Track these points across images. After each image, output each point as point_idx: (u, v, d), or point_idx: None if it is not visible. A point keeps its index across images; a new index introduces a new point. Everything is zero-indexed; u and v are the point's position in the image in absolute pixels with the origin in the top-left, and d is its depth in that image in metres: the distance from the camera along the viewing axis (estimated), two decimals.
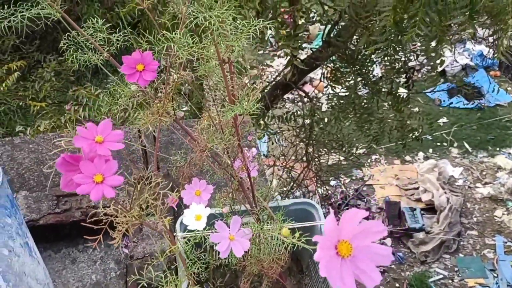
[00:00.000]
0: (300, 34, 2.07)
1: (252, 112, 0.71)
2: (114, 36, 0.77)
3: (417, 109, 5.99)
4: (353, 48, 2.51)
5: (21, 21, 0.67)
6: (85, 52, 0.77)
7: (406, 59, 2.22)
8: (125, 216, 0.64)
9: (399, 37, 1.52)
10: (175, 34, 0.61)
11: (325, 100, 3.29)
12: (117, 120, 1.87)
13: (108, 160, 0.48)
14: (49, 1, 0.69)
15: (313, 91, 3.90)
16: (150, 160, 1.70)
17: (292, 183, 3.76)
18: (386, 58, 2.34)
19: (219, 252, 0.71)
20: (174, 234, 0.83)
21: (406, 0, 1.48)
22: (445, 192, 4.63)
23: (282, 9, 2.15)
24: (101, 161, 0.47)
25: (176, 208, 0.84)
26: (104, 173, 0.48)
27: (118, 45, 0.78)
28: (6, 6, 0.69)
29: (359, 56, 2.43)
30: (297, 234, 0.64)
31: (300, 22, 2.05)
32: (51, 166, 0.62)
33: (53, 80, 2.66)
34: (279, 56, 6.93)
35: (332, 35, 2.59)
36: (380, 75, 2.99)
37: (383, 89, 2.39)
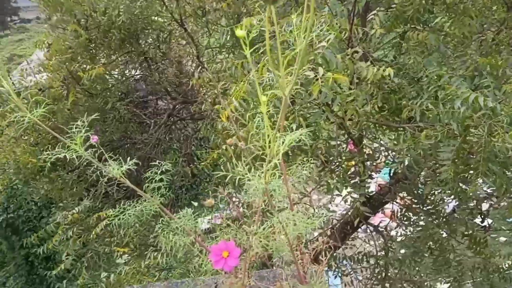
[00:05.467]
0: (365, 180, 2.16)
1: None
2: (199, 218, 0.89)
3: (502, 238, 5.56)
4: (421, 187, 2.53)
5: (128, 217, 0.81)
6: (177, 233, 0.90)
7: (478, 200, 2.19)
8: None
9: (464, 186, 1.55)
10: (252, 226, 0.72)
11: (398, 232, 3.20)
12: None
13: None
14: (149, 198, 0.84)
15: (385, 227, 3.81)
16: None
17: None
18: (457, 197, 2.32)
19: None
20: None
21: (466, 153, 1.55)
22: None
23: (346, 158, 2.28)
24: None
25: None
26: None
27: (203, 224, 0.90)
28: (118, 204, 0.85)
29: (429, 196, 2.43)
30: None
31: (365, 169, 2.15)
32: None
33: (137, 226, 2.89)
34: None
35: (400, 172, 2.64)
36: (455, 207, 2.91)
37: (459, 230, 2.33)
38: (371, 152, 2.62)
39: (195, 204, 6.41)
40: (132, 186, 0.82)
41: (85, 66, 3.26)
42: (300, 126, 1.71)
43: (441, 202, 2.22)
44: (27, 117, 0.67)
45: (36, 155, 3.41)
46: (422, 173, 2.44)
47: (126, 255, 2.98)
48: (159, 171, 0.86)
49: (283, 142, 0.63)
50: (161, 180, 0.84)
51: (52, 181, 3.43)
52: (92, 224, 3.02)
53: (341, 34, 1.69)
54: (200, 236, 0.86)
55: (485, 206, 2.56)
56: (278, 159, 0.63)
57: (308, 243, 1.00)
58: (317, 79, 1.46)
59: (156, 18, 3.72)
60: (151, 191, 0.86)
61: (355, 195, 2.18)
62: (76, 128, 0.72)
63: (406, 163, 1.99)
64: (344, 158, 2.25)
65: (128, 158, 0.78)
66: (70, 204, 3.38)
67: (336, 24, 1.65)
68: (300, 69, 0.70)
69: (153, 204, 0.82)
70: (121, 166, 0.75)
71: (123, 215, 0.78)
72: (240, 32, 0.49)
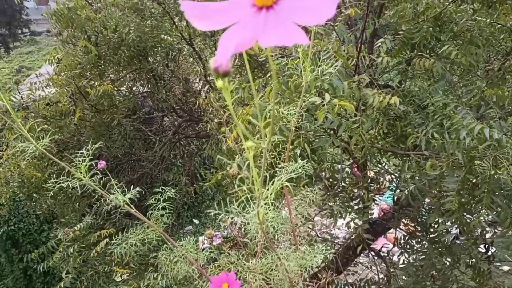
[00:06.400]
0: (369, 206, 2.14)
1: None
2: (202, 249, 0.89)
3: (506, 268, 5.46)
4: (425, 214, 2.51)
5: (130, 246, 0.80)
6: (179, 261, 0.90)
7: (483, 230, 2.16)
8: None
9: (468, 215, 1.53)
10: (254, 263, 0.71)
11: (400, 259, 3.16)
12: None
13: None
14: (153, 225, 0.83)
15: (388, 252, 3.77)
16: None
17: None
18: (461, 227, 2.30)
19: None
20: None
21: (471, 184, 1.54)
22: None
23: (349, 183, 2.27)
24: None
25: None
26: None
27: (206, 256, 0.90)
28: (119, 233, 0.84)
29: (433, 224, 2.41)
30: None
31: (368, 195, 2.13)
32: None
33: (137, 245, 2.87)
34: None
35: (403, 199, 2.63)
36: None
37: (462, 259, 2.29)
38: (375, 176, 2.61)
39: (197, 222, 6.38)
40: (135, 213, 0.82)
41: (93, 82, 3.28)
42: (305, 151, 1.71)
43: (446, 232, 2.19)
44: (31, 147, 0.67)
45: (40, 169, 3.42)
46: (427, 200, 2.42)
47: (126, 275, 2.95)
48: (162, 199, 0.86)
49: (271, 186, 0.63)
50: (164, 208, 0.84)
51: (55, 196, 3.42)
52: (93, 241, 3.00)
53: (348, 61, 1.70)
54: (201, 264, 0.86)
55: (489, 232, 2.53)
56: (267, 201, 0.63)
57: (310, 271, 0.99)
58: (323, 105, 1.47)
59: (165, 36, 3.76)
60: (154, 218, 0.86)
61: (358, 222, 2.16)
62: (80, 156, 0.72)
63: (411, 189, 1.98)
64: (348, 183, 2.24)
65: (131, 186, 0.78)
66: (72, 220, 3.37)
67: (344, 51, 1.66)
68: (304, 101, 0.70)
69: (156, 232, 0.82)
70: (125, 194, 0.75)
71: (126, 244, 0.78)
72: (219, 83, 0.47)
